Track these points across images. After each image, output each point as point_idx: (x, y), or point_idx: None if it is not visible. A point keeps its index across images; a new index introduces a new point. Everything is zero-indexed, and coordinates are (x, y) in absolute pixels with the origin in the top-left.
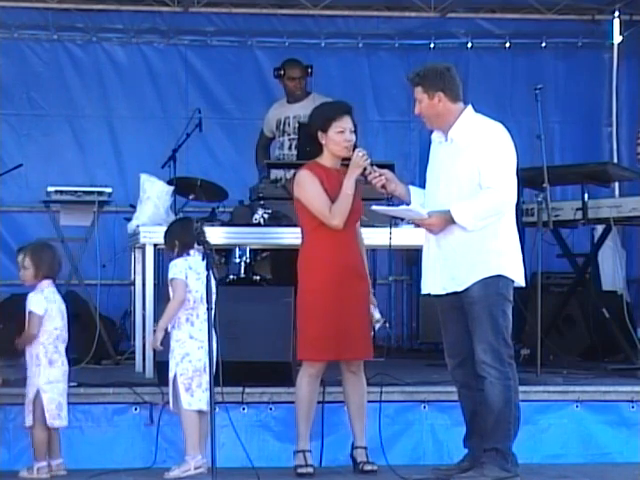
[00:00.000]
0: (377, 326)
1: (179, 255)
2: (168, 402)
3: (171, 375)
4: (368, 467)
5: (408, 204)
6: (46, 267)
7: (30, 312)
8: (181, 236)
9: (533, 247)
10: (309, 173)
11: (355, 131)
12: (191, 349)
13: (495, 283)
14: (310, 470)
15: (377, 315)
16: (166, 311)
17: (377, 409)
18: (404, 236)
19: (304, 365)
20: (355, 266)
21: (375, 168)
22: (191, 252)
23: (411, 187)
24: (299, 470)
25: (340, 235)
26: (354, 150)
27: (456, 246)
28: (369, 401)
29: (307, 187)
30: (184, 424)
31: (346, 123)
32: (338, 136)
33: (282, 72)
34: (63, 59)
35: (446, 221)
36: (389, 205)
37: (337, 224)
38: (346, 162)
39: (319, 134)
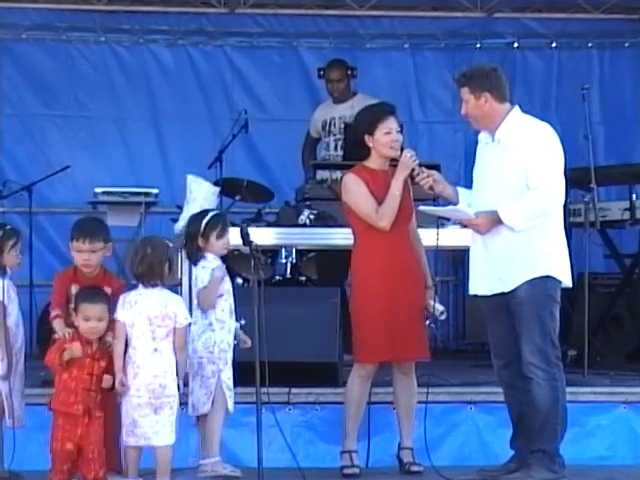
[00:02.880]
0: (442, 317)
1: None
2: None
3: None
4: (414, 468)
5: (456, 204)
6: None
7: None
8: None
9: (580, 248)
10: (354, 176)
11: (401, 131)
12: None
13: (543, 284)
14: (356, 471)
15: (440, 307)
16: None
17: (423, 410)
18: (450, 237)
19: (355, 366)
20: (408, 266)
21: (423, 169)
22: None
23: (459, 188)
24: (345, 471)
25: (391, 236)
26: (402, 151)
27: (503, 247)
28: None
29: (353, 190)
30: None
31: (392, 123)
32: (385, 137)
33: (322, 73)
34: (110, 61)
35: (493, 222)
36: (436, 206)
37: (384, 225)
38: (395, 163)
39: (366, 137)
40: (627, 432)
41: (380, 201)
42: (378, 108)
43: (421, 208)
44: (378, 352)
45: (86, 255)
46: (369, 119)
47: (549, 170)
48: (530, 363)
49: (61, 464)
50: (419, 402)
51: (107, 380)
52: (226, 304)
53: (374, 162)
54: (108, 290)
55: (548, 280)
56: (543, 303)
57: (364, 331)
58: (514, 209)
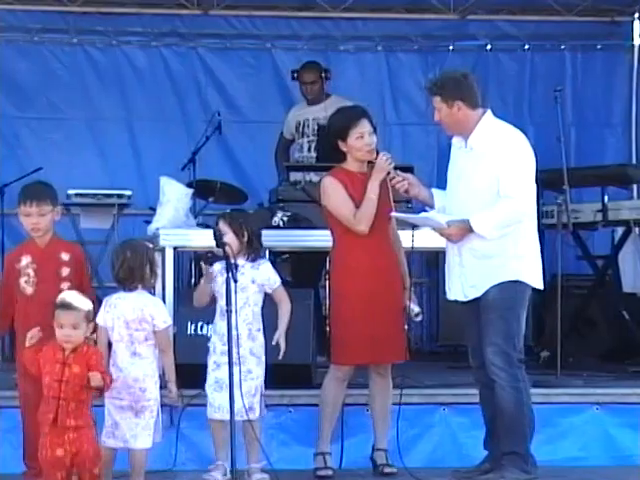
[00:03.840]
0: (417, 319)
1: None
2: (187, 405)
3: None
4: (388, 469)
5: (432, 207)
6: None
7: None
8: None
9: (553, 249)
10: (333, 180)
11: (375, 131)
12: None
13: (512, 288)
14: (329, 472)
15: (416, 309)
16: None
17: (396, 411)
18: (424, 239)
19: (332, 368)
20: (386, 268)
21: (398, 172)
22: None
23: (434, 190)
24: (319, 472)
25: (370, 238)
26: (378, 153)
27: (476, 254)
28: None
29: (331, 194)
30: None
31: (363, 127)
32: (358, 142)
33: (296, 76)
34: (83, 62)
35: (465, 231)
36: (409, 208)
37: (363, 229)
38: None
39: (339, 143)
40: (600, 433)
41: (359, 203)
42: (349, 112)
43: (393, 214)
44: (356, 354)
45: (34, 219)
46: (341, 125)
47: (520, 179)
48: (493, 364)
49: (54, 471)
50: (393, 404)
51: (94, 377)
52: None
53: (351, 165)
54: (66, 256)
55: (517, 284)
56: (510, 307)
57: (342, 333)
58: (485, 218)
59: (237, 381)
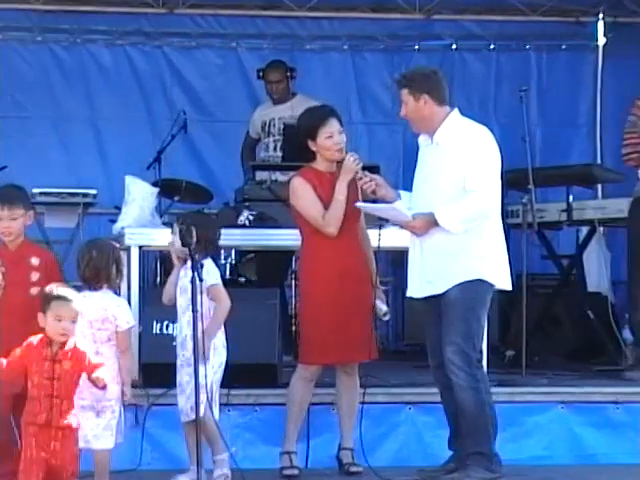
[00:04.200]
0: (385, 318)
1: (207, 256)
2: (152, 404)
3: (206, 381)
4: (353, 469)
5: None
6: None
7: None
8: (209, 233)
9: (518, 249)
10: (302, 180)
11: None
12: (224, 358)
13: (473, 288)
14: (295, 472)
15: (384, 308)
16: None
17: (361, 411)
18: (390, 237)
19: (299, 367)
20: (355, 267)
21: (366, 173)
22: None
23: (401, 192)
24: (285, 472)
25: (338, 237)
26: (346, 154)
27: (438, 250)
28: None
29: (300, 195)
30: (212, 430)
31: (332, 127)
32: (327, 141)
33: (262, 75)
34: (48, 61)
35: (430, 224)
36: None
37: (332, 232)
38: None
39: (309, 142)
40: (565, 432)
41: (328, 204)
42: (317, 112)
43: (358, 204)
44: (325, 354)
45: (6, 222)
46: (310, 124)
47: (485, 174)
48: (452, 363)
49: (36, 470)
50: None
51: (99, 378)
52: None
53: (321, 164)
54: (37, 261)
55: (479, 284)
56: (471, 307)
57: (311, 332)
58: (451, 211)
59: (185, 382)
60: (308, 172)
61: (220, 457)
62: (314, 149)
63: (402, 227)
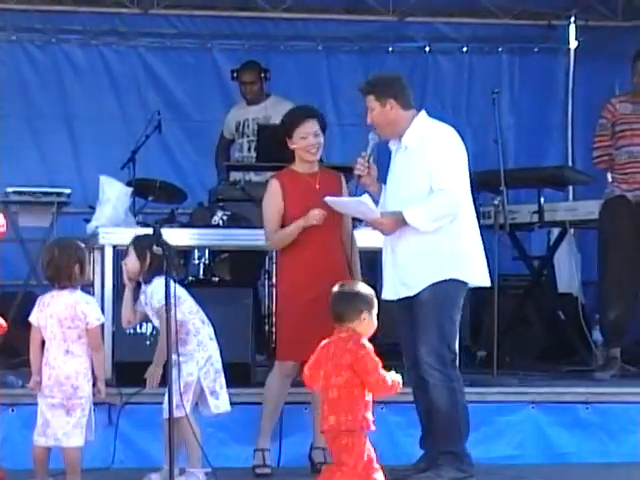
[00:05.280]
0: None
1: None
2: (126, 403)
3: (191, 379)
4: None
5: (377, 203)
6: None
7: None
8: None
9: (490, 250)
10: (276, 185)
11: (324, 132)
12: (213, 351)
13: (445, 288)
14: (267, 471)
15: None
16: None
17: None
18: (363, 238)
19: (276, 365)
20: (332, 267)
21: (371, 162)
22: None
23: (384, 186)
24: (257, 470)
25: (317, 237)
26: (321, 160)
27: (409, 252)
28: None
29: (267, 201)
30: (190, 439)
31: (309, 128)
32: (302, 142)
33: (236, 75)
34: (22, 60)
35: (398, 222)
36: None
37: (269, 246)
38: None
39: (287, 141)
40: (535, 431)
41: (300, 207)
42: (297, 112)
43: (327, 199)
44: (302, 351)
45: None
46: (288, 123)
47: (451, 172)
48: (426, 363)
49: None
50: None
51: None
52: None
53: (300, 166)
54: None
55: (451, 284)
56: (444, 307)
57: (287, 330)
58: (418, 210)
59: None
60: (285, 175)
61: (193, 470)
62: (292, 147)
63: (371, 226)
